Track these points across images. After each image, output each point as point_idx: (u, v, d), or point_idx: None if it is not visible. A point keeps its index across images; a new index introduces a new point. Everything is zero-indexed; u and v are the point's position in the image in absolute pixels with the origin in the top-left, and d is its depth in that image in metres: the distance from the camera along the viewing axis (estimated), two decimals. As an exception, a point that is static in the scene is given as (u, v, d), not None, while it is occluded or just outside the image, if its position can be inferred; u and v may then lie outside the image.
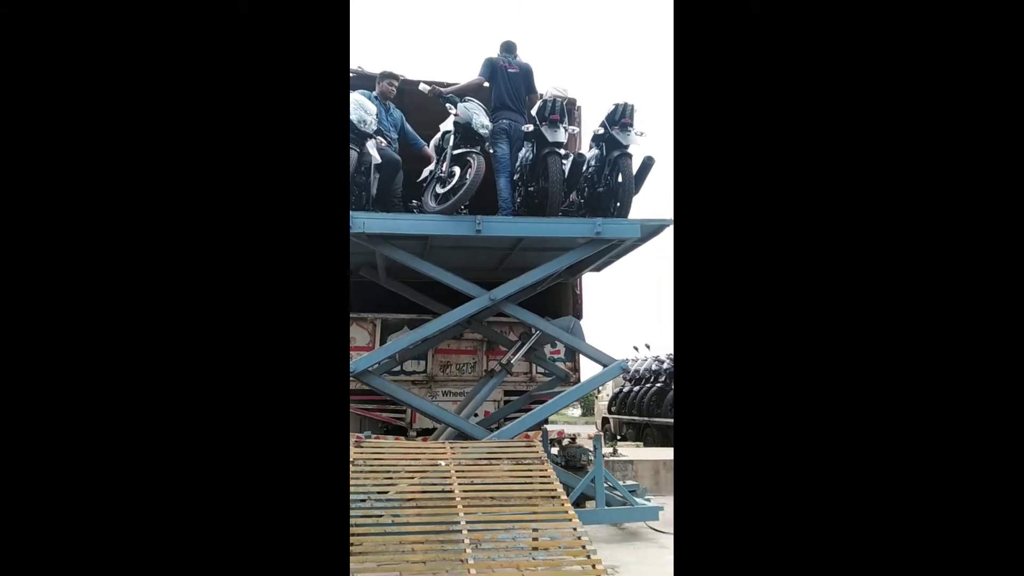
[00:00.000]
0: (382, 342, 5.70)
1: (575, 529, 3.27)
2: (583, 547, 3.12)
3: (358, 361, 4.34)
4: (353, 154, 4.18)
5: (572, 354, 5.90)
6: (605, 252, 4.93)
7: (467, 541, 3.05)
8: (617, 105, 4.54)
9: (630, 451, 8.24)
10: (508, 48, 4.94)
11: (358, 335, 5.76)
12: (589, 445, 5.11)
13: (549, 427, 5.54)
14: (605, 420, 13.40)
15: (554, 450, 5.31)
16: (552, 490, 3.61)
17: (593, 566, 2.99)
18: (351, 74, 5.54)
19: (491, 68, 4.79)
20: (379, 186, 4.52)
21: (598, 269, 5.74)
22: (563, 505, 3.49)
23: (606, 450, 6.24)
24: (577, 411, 23.63)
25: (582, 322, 6.02)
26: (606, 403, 13.46)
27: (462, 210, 4.40)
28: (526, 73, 4.87)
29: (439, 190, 4.46)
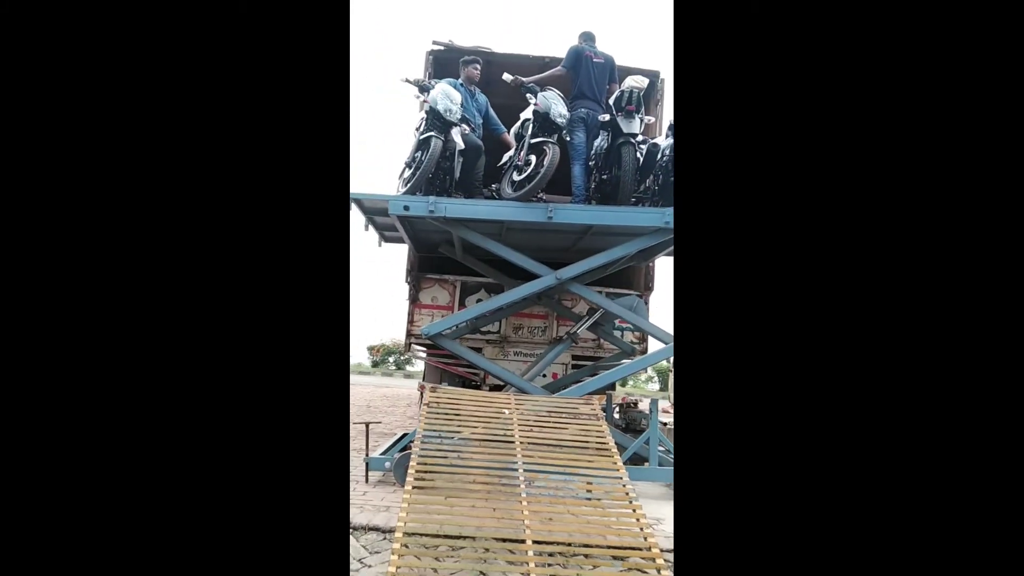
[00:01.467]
0: (461, 302, 6.39)
1: (622, 479, 3.57)
2: (626, 494, 3.43)
3: (432, 325, 5.03)
4: (438, 142, 4.57)
5: (640, 326, 6.23)
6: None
7: (522, 479, 3.46)
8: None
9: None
10: (589, 37, 5.11)
11: (440, 295, 6.49)
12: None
13: (615, 393, 5.95)
14: (678, 394, 13.47)
15: (617, 415, 5.72)
16: (605, 445, 3.94)
17: (634, 511, 3.28)
18: (441, 47, 5.99)
19: (576, 57, 4.96)
20: (462, 170, 4.84)
21: (672, 255, 5.91)
22: (613, 459, 3.81)
23: (668, 419, 6.57)
24: (655, 385, 23.61)
25: (653, 295, 6.34)
26: (681, 377, 13.52)
27: (538, 196, 4.72)
28: (610, 65, 5.05)
29: (516, 177, 4.79)
